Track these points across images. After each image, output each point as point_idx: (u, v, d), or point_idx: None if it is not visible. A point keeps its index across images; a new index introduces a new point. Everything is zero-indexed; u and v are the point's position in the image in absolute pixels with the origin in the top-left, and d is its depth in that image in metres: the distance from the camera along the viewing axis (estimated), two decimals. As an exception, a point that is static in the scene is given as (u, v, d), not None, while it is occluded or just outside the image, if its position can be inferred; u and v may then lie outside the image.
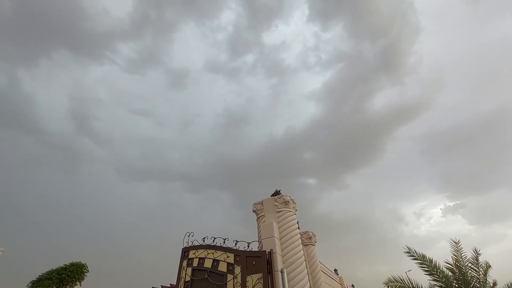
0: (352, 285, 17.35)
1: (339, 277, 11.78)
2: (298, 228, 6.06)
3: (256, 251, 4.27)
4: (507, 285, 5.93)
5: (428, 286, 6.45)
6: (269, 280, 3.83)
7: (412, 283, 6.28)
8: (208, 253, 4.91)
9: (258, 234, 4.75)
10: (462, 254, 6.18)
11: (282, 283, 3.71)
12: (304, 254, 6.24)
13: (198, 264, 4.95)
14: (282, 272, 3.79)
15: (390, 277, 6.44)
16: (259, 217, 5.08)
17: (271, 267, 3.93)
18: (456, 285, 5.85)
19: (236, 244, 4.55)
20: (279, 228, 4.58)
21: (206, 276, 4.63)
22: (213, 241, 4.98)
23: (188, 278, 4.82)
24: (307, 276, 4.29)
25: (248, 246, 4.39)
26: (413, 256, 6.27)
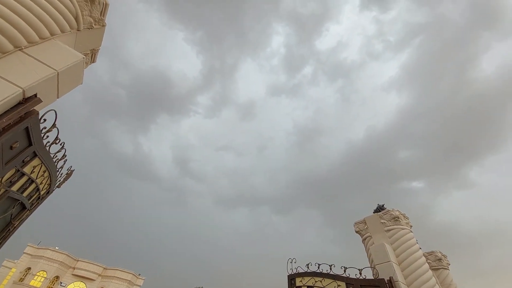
0: None
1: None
2: (420, 248, 5.02)
3: (372, 279, 3.74)
4: None
5: None
6: (399, 316, 3.22)
7: None
8: (315, 281, 4.67)
9: (369, 258, 4.19)
10: None
11: (418, 321, 3.03)
12: (437, 282, 5.02)
13: (306, 293, 4.76)
14: (413, 306, 3.13)
15: None
16: (365, 239, 4.51)
17: (397, 299, 3.32)
18: None
19: (345, 271, 4.14)
20: (394, 251, 3.90)
21: (318, 307, 4.36)
22: (318, 267, 4.73)
23: (300, 308, 4.67)
24: (451, 312, 3.37)
25: (360, 274, 3.91)
26: None
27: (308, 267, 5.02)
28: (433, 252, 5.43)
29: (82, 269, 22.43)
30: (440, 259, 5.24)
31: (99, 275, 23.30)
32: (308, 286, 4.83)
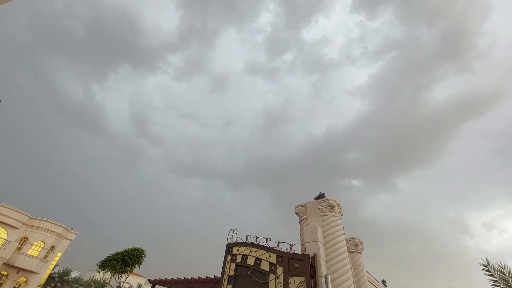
0: None
1: (388, 289, 10.78)
2: (344, 234, 5.79)
3: (299, 254, 4.24)
4: None
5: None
6: (312, 284, 3.76)
7: None
8: (251, 251, 5.07)
9: (301, 237, 4.70)
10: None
11: (326, 287, 3.60)
12: (350, 262, 5.93)
13: (241, 261, 5.16)
14: (326, 278, 3.69)
15: None
16: (302, 220, 5.02)
17: (315, 272, 3.86)
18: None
19: (278, 245, 4.59)
20: (323, 233, 4.45)
21: (249, 273, 4.79)
22: (256, 239, 5.12)
23: (231, 273, 5.06)
24: (353, 285, 4.07)
25: (290, 248, 4.38)
26: (489, 271, 5.34)
27: (247, 239, 5.41)
28: (353, 238, 6.39)
29: (3, 215, 19.97)
30: (357, 244, 6.23)
31: (24, 224, 21.10)
32: (243, 255, 5.24)
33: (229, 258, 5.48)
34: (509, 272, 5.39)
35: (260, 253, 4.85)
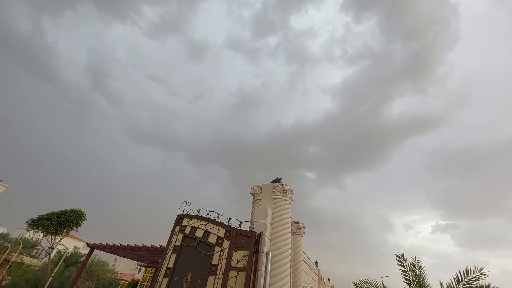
0: (328, 279, 18.14)
1: (318, 269, 12.23)
2: (291, 217, 6.23)
3: (247, 230, 4.45)
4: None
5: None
6: (254, 258, 4.02)
7: (371, 284, 6.49)
8: (201, 224, 5.14)
9: (252, 216, 4.92)
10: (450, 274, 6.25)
11: (265, 263, 3.89)
12: (291, 242, 6.46)
13: (190, 232, 5.20)
14: (267, 254, 3.97)
15: (363, 278, 6.72)
16: (255, 200, 5.22)
17: (258, 248, 4.11)
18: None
19: (229, 221, 4.73)
20: (272, 214, 4.72)
21: (195, 244, 4.88)
22: (208, 214, 5.19)
23: (178, 243, 5.09)
24: (289, 262, 4.48)
25: (240, 225, 4.56)
26: (401, 262, 6.40)
27: (198, 212, 5.44)
28: (297, 222, 6.97)
29: None
30: (300, 228, 6.83)
31: None
32: (193, 227, 5.28)
33: (177, 228, 5.47)
34: (419, 266, 6.55)
35: (210, 227, 4.95)
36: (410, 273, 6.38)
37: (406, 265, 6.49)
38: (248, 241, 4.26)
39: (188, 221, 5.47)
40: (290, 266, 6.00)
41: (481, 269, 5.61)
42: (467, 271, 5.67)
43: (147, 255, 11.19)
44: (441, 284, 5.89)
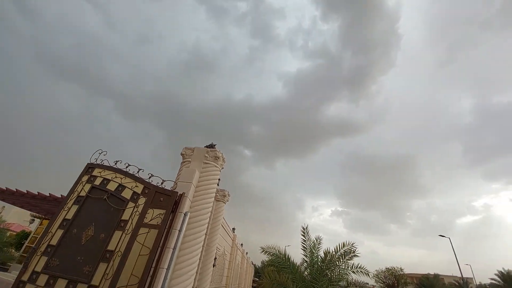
0: (241, 244, 20.17)
1: (234, 235, 13.25)
2: (218, 184, 6.29)
3: (168, 190, 4.23)
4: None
5: (299, 260, 8.03)
6: (170, 217, 3.90)
7: (283, 254, 7.65)
8: (116, 177, 4.59)
9: (177, 176, 4.69)
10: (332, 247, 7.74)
11: (182, 223, 3.84)
12: (213, 207, 6.61)
13: (100, 183, 4.60)
14: (185, 214, 3.91)
15: (270, 245, 7.73)
16: (184, 162, 4.97)
17: (177, 207, 4.00)
18: (320, 265, 7.41)
19: (150, 178, 4.38)
20: (199, 177, 4.62)
21: (105, 197, 4.37)
22: (127, 167, 4.66)
23: (83, 194, 4.44)
24: (207, 225, 4.58)
25: (162, 183, 4.29)
26: (303, 233, 7.57)
27: (115, 164, 4.82)
28: (223, 190, 7.15)
29: None
30: (224, 196, 7.04)
31: None
32: (105, 178, 4.67)
33: (85, 178, 4.74)
34: (318, 239, 7.89)
35: (127, 181, 4.48)
36: (307, 243, 7.70)
37: (306, 236, 7.78)
38: (168, 200, 4.07)
39: (100, 172, 4.79)
40: (208, 229, 6.19)
41: (352, 244, 7.26)
42: (343, 243, 7.27)
43: (43, 205, 9.56)
44: (324, 252, 7.36)
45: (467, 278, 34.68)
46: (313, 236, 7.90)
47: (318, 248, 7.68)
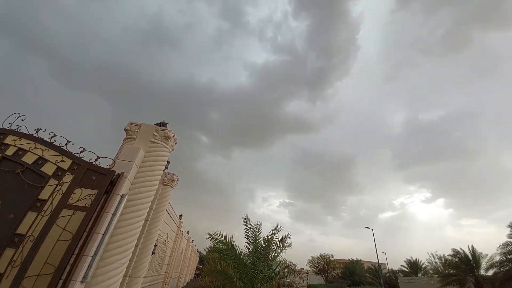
0: (188, 232, 19.74)
1: (180, 222, 12.81)
2: (166, 168, 5.86)
3: (104, 168, 3.71)
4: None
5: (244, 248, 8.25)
6: (103, 199, 3.43)
7: (228, 241, 7.77)
8: (36, 148, 3.81)
9: (117, 153, 4.14)
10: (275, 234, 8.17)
11: (117, 206, 3.42)
12: (158, 191, 6.16)
13: (13, 154, 3.76)
14: (122, 197, 3.49)
15: (217, 232, 7.76)
16: (128, 138, 4.42)
17: (113, 188, 3.54)
18: (260, 251, 7.71)
19: (81, 152, 3.76)
20: (144, 157, 4.17)
21: (19, 170, 3.59)
22: (52, 137, 3.90)
23: (-14, 164, 3.56)
24: (149, 210, 4.22)
25: (96, 160, 3.73)
26: (246, 222, 7.76)
27: (37, 132, 3.98)
28: (172, 174, 6.72)
29: None
30: (173, 180, 6.62)
31: None
32: (21, 149, 3.82)
33: (-8, 145, 3.80)
34: (258, 226, 8.18)
35: (50, 154, 3.76)
36: (251, 231, 8.01)
37: (248, 225, 8.07)
38: (102, 180, 3.57)
39: (15, 140, 3.91)
40: (149, 214, 5.75)
41: (280, 226, 8.00)
42: (276, 229, 7.88)
43: None
44: (264, 240, 7.78)
45: (382, 263, 41.61)
46: (259, 226, 8.22)
47: (258, 235, 8.06)
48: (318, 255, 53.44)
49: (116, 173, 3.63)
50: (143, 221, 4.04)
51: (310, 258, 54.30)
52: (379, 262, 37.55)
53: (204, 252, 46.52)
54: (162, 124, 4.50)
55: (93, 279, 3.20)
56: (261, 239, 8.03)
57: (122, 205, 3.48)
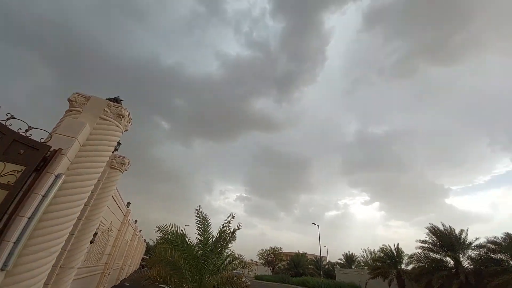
0: (136, 221, 18.46)
1: (128, 210, 11.89)
2: (116, 150, 5.32)
3: (37, 141, 3.16)
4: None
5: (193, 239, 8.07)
6: (31, 177, 2.93)
7: (179, 232, 7.54)
8: None
9: (56, 126, 3.57)
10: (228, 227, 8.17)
11: (50, 187, 2.96)
12: (103, 175, 5.57)
13: None
14: (58, 176, 3.03)
15: (167, 224, 7.47)
16: (72, 110, 3.83)
17: (46, 166, 3.04)
18: (212, 242, 7.66)
19: (7, 120, 3.12)
20: (90, 135, 3.69)
21: None
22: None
23: None
24: (90, 193, 3.77)
25: (26, 131, 3.15)
26: (197, 214, 7.63)
27: None
28: (123, 157, 6.13)
29: None
30: (123, 164, 6.04)
31: None
32: None
33: None
34: (206, 219, 8.10)
35: (-39, 117, 3.02)
36: (202, 222, 7.93)
37: (200, 216, 7.98)
38: (33, 155, 3.03)
39: None
40: (91, 199, 5.17)
41: (233, 215, 8.04)
42: (228, 220, 7.97)
43: None
44: (218, 231, 7.77)
45: (323, 256, 45.82)
46: (213, 219, 8.16)
47: (210, 226, 8.03)
48: (268, 248, 56.04)
49: (52, 149, 3.12)
50: (82, 206, 3.59)
51: (260, 251, 56.63)
52: (321, 255, 41.40)
53: (153, 243, 44.29)
54: (116, 100, 4.03)
55: (16, 268, 2.73)
56: (214, 230, 7.99)
57: (56, 187, 3.02)
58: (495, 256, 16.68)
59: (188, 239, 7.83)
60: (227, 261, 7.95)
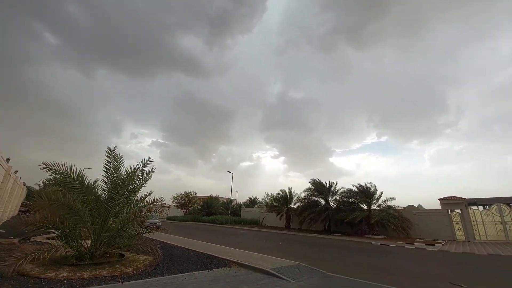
0: (16, 171, 14.83)
1: (8, 166, 9.20)
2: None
3: None
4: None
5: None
6: None
7: (77, 173, 6.65)
8: None
9: None
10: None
11: None
12: None
13: None
14: None
15: (60, 162, 6.42)
16: None
17: None
18: (120, 183, 7.17)
19: None
20: None
21: None
22: None
23: None
24: None
25: None
26: (108, 154, 6.77)
27: None
28: None
29: None
30: None
31: None
32: None
33: None
34: (118, 159, 7.40)
35: None
36: (110, 164, 7.24)
37: (111, 158, 7.24)
38: None
39: None
40: None
41: (150, 162, 7.73)
42: (142, 163, 7.58)
43: None
44: (126, 171, 7.34)
45: (233, 199, 52.09)
46: (126, 163, 7.45)
47: (119, 168, 7.44)
48: (182, 193, 57.93)
49: None
50: None
51: (175, 195, 57.91)
52: (231, 198, 46.99)
53: (39, 188, 36.95)
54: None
55: None
56: (123, 171, 7.41)
57: None
58: (351, 200, 24.02)
59: (89, 181, 7.00)
60: (142, 204, 7.69)
